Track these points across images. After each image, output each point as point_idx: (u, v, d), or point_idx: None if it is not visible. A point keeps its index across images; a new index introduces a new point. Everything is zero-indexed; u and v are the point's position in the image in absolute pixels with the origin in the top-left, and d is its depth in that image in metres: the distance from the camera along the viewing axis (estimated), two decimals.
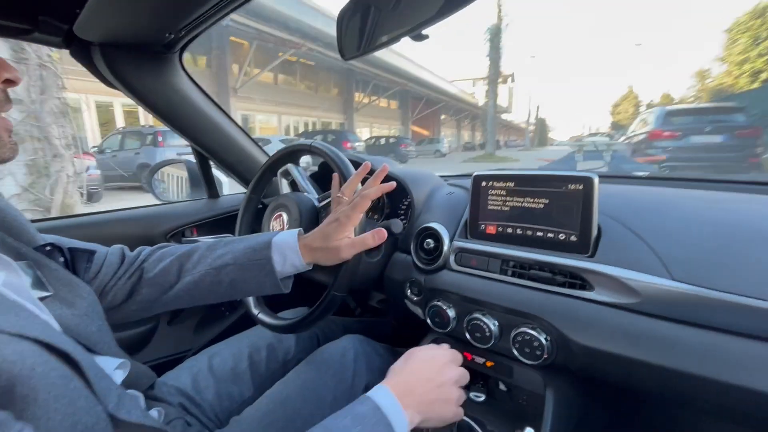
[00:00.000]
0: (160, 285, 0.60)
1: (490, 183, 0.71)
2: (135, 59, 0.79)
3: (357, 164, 0.99)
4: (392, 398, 0.43)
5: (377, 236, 0.59)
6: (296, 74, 17.45)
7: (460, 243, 0.74)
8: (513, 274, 0.66)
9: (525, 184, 0.67)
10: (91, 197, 6.25)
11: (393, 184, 0.62)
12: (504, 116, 58.13)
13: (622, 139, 8.13)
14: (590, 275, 0.57)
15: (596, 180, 0.59)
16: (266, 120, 16.52)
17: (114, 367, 0.48)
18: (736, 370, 0.45)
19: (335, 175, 0.70)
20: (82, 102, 9.76)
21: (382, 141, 18.10)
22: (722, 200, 0.62)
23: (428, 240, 0.78)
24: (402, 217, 0.95)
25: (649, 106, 36.00)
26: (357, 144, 14.61)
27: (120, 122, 11.11)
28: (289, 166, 0.89)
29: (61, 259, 0.51)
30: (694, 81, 34.43)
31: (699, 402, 0.51)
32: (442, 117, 36.34)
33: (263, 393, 0.68)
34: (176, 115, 0.93)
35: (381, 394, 0.44)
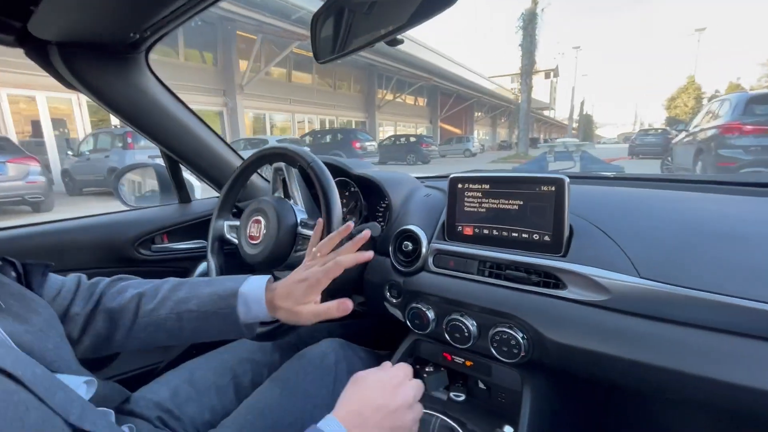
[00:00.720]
0: (116, 321, 0.57)
1: (466, 185, 0.72)
2: (97, 59, 0.75)
3: (340, 170, 0.99)
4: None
5: (341, 308, 0.56)
6: (312, 70, 16.06)
7: (437, 245, 0.74)
8: (490, 275, 0.67)
9: (500, 185, 0.68)
10: (37, 207, 5.73)
11: (370, 254, 0.61)
12: (546, 113, 55.38)
13: (681, 136, 6.74)
14: (563, 274, 0.59)
15: (567, 181, 0.61)
16: (284, 119, 15.65)
17: (79, 384, 0.46)
18: (700, 362, 0.48)
19: (320, 221, 0.67)
20: (73, 101, 9.17)
21: (402, 140, 16.16)
22: (685, 200, 0.66)
23: (406, 242, 0.78)
24: (380, 219, 0.95)
25: (713, 98, 32.76)
26: (368, 144, 13.42)
27: (116, 121, 10.51)
28: (284, 166, 0.86)
29: (13, 274, 0.48)
30: (765, 69, 29.77)
31: (668, 393, 0.54)
32: (477, 114, 33.81)
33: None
34: (143, 118, 0.89)
35: (331, 426, 0.40)
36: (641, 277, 0.53)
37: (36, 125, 8.83)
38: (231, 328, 0.59)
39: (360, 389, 0.46)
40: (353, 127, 18.45)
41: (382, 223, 0.91)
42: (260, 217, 0.74)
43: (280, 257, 0.72)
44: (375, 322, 1.09)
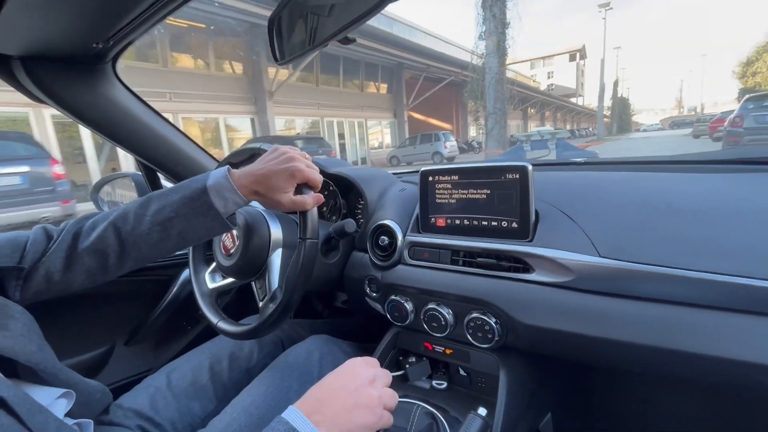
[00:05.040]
0: (101, 251, 0.58)
1: (437, 177, 0.74)
2: (63, 72, 0.75)
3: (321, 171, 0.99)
4: (301, 418, 0.40)
5: (315, 200, 0.61)
6: (338, 72, 15.47)
7: (412, 237, 0.76)
8: (463, 263, 0.69)
9: (468, 176, 0.70)
10: None
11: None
12: (573, 100, 47.11)
13: None
14: (530, 258, 0.61)
15: (530, 168, 0.63)
16: (311, 123, 15.03)
17: (56, 397, 0.46)
18: (659, 334, 0.50)
19: None
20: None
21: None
22: (642, 180, 0.68)
23: (383, 237, 0.79)
24: (359, 216, 0.96)
25: None
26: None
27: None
28: None
29: None
30: None
31: (634, 367, 0.56)
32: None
33: (228, 403, 0.67)
34: (115, 128, 0.89)
35: (291, 414, 0.41)
36: (601, 257, 0.55)
37: None
38: (215, 222, 0.60)
39: (324, 378, 0.47)
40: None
41: (360, 220, 0.93)
42: (233, 231, 0.74)
43: (254, 269, 0.73)
44: (359, 318, 1.11)
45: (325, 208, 1.06)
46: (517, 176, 0.64)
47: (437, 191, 0.74)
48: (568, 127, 44.19)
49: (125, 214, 0.59)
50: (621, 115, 44.90)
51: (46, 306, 0.59)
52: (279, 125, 13.37)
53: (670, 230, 0.54)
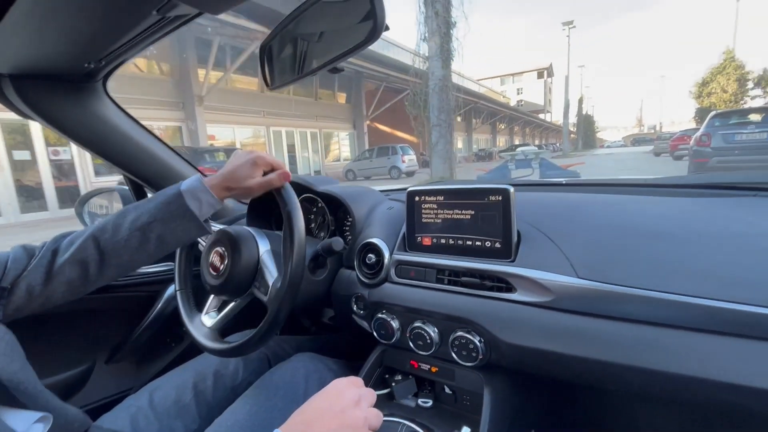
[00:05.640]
0: (82, 261, 0.59)
1: (423, 197, 0.76)
2: (53, 90, 0.75)
3: (305, 188, 1.01)
4: None
5: (281, 177, 0.65)
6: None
7: (399, 256, 0.77)
8: (448, 282, 0.70)
9: (453, 197, 0.72)
10: None
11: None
12: (541, 116, 49.25)
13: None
14: (512, 278, 0.63)
15: (512, 191, 0.65)
16: (252, 132, 13.60)
17: (33, 421, 0.46)
18: (634, 353, 0.52)
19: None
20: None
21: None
22: (619, 203, 0.71)
23: (370, 255, 0.81)
24: (347, 233, 0.98)
25: (762, 79, 22.85)
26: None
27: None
28: None
29: None
30: None
31: (611, 386, 0.57)
32: (475, 121, 28.58)
33: (212, 423, 0.66)
34: (104, 145, 0.89)
35: None
36: (579, 277, 0.57)
37: None
38: (191, 224, 0.63)
39: (310, 400, 0.47)
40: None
41: (348, 237, 0.94)
42: (221, 249, 0.74)
43: (242, 288, 0.73)
44: (346, 335, 1.11)
45: (313, 225, 1.07)
46: (500, 198, 0.66)
47: (423, 211, 0.76)
48: (537, 141, 45.99)
49: (103, 225, 0.61)
50: (586, 132, 47.52)
51: (26, 323, 0.58)
52: (218, 134, 12.34)
53: (644, 252, 0.57)
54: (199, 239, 0.83)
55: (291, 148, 14.75)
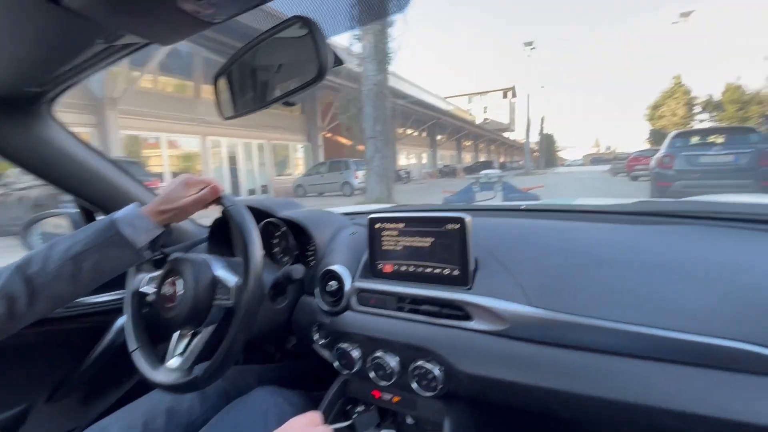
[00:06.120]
0: (8, 297, 0.55)
1: (384, 225, 0.76)
2: None
3: (266, 213, 0.98)
4: None
5: (213, 191, 0.67)
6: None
7: (359, 284, 0.77)
8: (408, 310, 0.70)
9: (413, 225, 0.73)
10: None
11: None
12: (506, 134, 51.24)
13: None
14: (468, 306, 0.63)
15: (468, 219, 0.67)
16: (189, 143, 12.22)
17: None
18: (585, 382, 0.53)
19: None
20: None
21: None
22: (573, 230, 0.74)
23: (331, 282, 0.80)
24: (311, 258, 0.96)
25: (708, 104, 24.72)
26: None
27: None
28: None
29: None
30: None
31: (569, 415, 0.58)
32: (439, 137, 28.76)
33: None
34: (52, 169, 0.84)
35: None
36: (531, 306, 0.58)
37: None
38: (126, 251, 0.62)
39: None
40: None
41: (312, 262, 0.92)
42: (175, 279, 0.71)
43: (198, 318, 0.70)
44: (312, 360, 1.08)
45: (277, 249, 1.05)
46: (457, 227, 0.67)
47: (384, 238, 0.76)
48: (502, 159, 47.87)
49: (29, 258, 0.59)
50: (548, 150, 50.36)
51: None
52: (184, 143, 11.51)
53: (595, 281, 0.59)
54: (148, 290, 0.78)
55: (232, 161, 13.51)
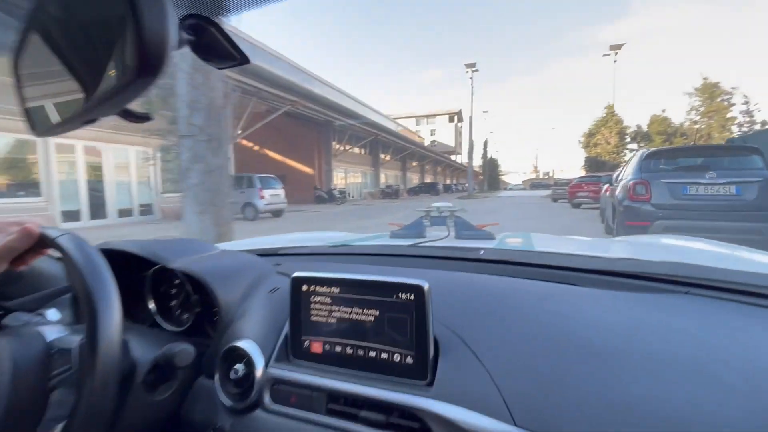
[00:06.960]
0: None
1: (312, 287, 0.55)
2: None
3: (148, 261, 0.72)
4: None
5: (23, 232, 0.49)
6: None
7: (276, 370, 0.55)
8: (342, 416, 0.50)
9: (352, 290, 0.53)
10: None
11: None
12: (453, 157, 52.56)
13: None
14: (428, 417, 0.45)
15: (427, 287, 0.49)
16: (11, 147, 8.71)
17: None
18: None
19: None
20: None
21: None
22: (553, 296, 0.58)
23: (236, 366, 0.57)
24: (217, 319, 0.72)
25: (638, 134, 25.74)
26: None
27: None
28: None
29: None
30: (693, 100, 22.12)
31: None
32: (384, 157, 28.71)
33: None
34: None
35: None
36: (516, 425, 0.41)
37: None
38: None
39: None
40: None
41: (213, 332, 0.68)
42: None
43: (24, 421, 0.44)
44: None
45: (174, 302, 0.79)
46: (412, 297, 0.49)
47: (313, 305, 0.55)
48: (448, 180, 50.96)
49: None
50: (491, 174, 52.67)
51: None
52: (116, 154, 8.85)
53: (589, 383, 0.43)
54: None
55: (95, 172, 10.34)
